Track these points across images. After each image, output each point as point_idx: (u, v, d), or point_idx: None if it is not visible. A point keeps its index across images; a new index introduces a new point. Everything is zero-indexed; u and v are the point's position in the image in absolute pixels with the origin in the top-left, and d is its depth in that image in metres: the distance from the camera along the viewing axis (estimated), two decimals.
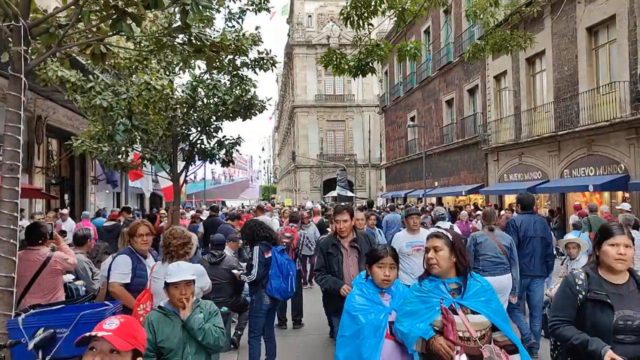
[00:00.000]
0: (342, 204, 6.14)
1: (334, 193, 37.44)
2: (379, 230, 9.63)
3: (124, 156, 10.72)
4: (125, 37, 8.59)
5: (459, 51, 24.35)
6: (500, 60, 20.23)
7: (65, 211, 13.37)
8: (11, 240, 3.62)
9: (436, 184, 28.04)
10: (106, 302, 4.12)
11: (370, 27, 7.92)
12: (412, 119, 32.08)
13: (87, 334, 2.07)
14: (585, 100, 15.57)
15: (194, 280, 3.58)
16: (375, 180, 44.31)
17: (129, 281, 4.46)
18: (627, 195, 14.61)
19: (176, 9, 8.26)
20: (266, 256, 5.53)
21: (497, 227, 6.86)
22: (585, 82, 15.74)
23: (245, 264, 6.63)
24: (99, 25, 4.05)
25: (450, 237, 3.05)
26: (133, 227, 4.75)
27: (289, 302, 8.13)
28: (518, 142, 19.48)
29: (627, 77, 13.90)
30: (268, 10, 10.23)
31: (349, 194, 35.73)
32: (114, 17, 3.70)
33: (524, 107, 19.29)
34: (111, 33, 3.89)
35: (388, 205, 21.39)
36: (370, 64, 8.27)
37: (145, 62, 9.20)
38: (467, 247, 7.44)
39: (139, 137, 9.74)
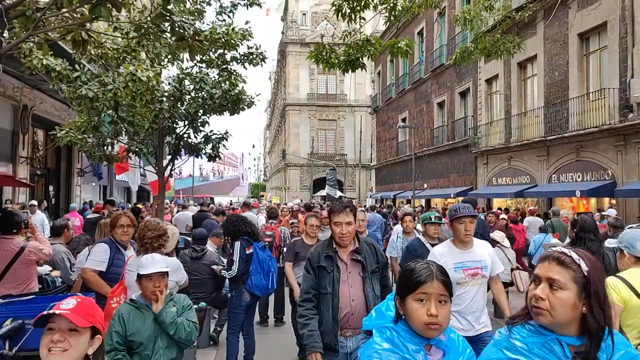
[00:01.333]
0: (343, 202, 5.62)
1: (323, 192, 37.38)
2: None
3: (109, 148, 10.60)
4: (113, 26, 8.50)
5: (451, 53, 24.34)
6: (492, 64, 20.26)
7: (35, 202, 12.48)
8: None
9: (425, 185, 28.06)
10: (78, 294, 4.02)
11: (362, 20, 7.85)
12: (404, 120, 32.08)
13: (45, 312, 2.01)
14: (575, 106, 15.62)
15: (167, 273, 3.51)
16: (365, 181, 44.30)
17: (104, 269, 4.38)
18: (613, 201, 14.68)
19: None
20: (247, 252, 5.45)
21: None
22: (576, 88, 15.79)
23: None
24: (77, 9, 3.94)
25: (584, 267, 1.75)
26: (114, 218, 4.70)
27: (271, 299, 8.06)
28: (508, 146, 19.52)
29: (617, 84, 13.95)
30: (260, 5, 10.15)
31: (338, 193, 35.68)
32: (93, 1, 3.60)
33: (515, 111, 19.33)
34: (91, 18, 3.78)
35: (370, 205, 21.30)
36: (360, 60, 8.19)
37: (133, 54, 9.09)
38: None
39: (124, 129, 9.63)
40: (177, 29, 4.26)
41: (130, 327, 3.34)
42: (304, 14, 49.93)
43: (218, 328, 6.98)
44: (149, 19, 4.73)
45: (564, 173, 16.58)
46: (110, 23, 7.98)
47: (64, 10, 3.97)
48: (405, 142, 31.84)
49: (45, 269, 5.56)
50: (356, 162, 41.70)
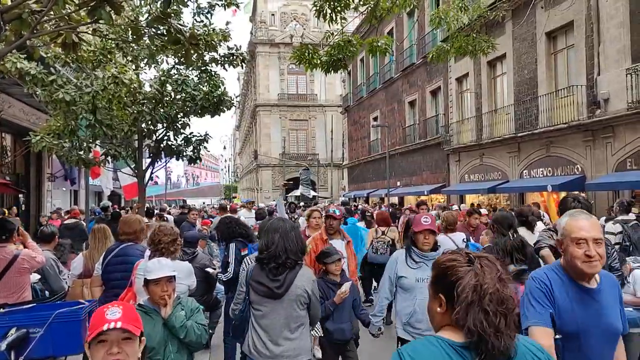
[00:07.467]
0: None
1: (297, 192, 37.39)
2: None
3: (85, 152, 10.42)
4: (91, 29, 8.37)
5: (422, 53, 24.69)
6: (462, 62, 20.63)
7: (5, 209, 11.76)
8: None
9: (398, 183, 28.33)
10: (81, 301, 3.97)
11: (343, 21, 7.91)
12: (375, 119, 32.34)
13: (104, 327, 1.99)
14: (544, 103, 16.05)
15: (174, 277, 3.49)
16: (337, 180, 44.50)
17: None
18: (583, 195, 15.13)
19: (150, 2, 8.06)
20: (242, 253, 5.45)
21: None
22: (544, 86, 16.23)
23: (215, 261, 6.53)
24: (74, 12, 3.89)
25: None
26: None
27: None
28: (479, 143, 19.89)
29: (584, 82, 14.40)
30: (238, 5, 10.15)
31: (312, 193, 35.75)
32: (92, 4, 3.57)
33: (485, 109, 19.72)
34: (89, 21, 3.74)
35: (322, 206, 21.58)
36: (342, 60, 8.26)
37: (110, 56, 8.97)
38: None
39: (102, 133, 9.49)
40: (173, 32, 4.25)
41: None
42: (273, 15, 49.83)
43: (210, 331, 6.93)
44: (130, 21, 4.70)
45: (535, 168, 17.01)
46: (90, 26, 7.87)
47: (64, 13, 3.91)
48: (378, 141, 32.09)
49: (34, 277, 5.44)
50: (328, 161, 41.87)
